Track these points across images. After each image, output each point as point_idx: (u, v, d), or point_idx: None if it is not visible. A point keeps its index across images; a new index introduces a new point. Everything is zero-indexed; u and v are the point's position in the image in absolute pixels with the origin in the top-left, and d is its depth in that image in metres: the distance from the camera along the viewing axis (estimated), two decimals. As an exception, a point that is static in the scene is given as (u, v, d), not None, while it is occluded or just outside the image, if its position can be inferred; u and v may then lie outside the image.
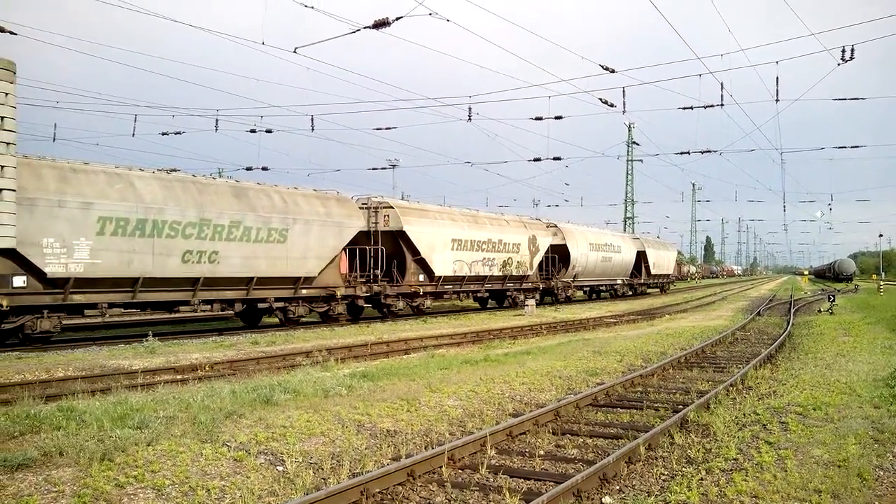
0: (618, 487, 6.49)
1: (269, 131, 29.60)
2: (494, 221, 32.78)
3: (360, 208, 25.80)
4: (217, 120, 28.79)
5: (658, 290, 57.98)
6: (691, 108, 26.54)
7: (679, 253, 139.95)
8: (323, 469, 6.81)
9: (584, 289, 45.78)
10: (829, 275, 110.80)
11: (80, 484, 5.82)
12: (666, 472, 6.86)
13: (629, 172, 65.69)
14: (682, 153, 37.96)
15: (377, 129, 34.71)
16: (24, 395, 9.89)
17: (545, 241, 36.17)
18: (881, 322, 23.30)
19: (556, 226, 38.71)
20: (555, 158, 37.84)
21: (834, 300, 31.75)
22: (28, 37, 20.01)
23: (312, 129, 28.44)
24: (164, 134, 31.11)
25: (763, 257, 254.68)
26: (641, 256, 50.47)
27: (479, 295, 32.63)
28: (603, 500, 6.15)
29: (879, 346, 16.12)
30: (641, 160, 67.62)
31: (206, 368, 13.89)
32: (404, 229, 26.31)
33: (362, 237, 25.58)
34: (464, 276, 29.70)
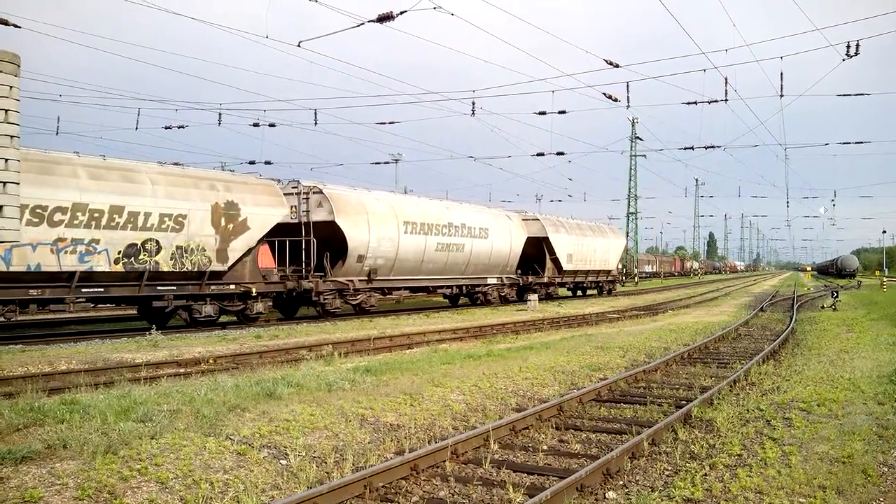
0: (622, 483, 6.48)
1: (272, 125, 29.62)
2: (108, 172, 17.74)
3: None
4: (220, 114, 28.85)
5: (597, 291, 43.89)
6: (695, 103, 26.53)
7: (681, 248, 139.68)
8: (326, 463, 6.81)
9: (395, 292, 28.76)
10: (831, 271, 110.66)
11: (84, 477, 5.82)
12: (670, 468, 6.85)
13: (632, 168, 65.52)
14: (685, 148, 38.12)
15: (380, 123, 34.93)
16: (27, 388, 9.88)
17: (265, 215, 21.18)
18: (884, 318, 23.26)
19: (320, 191, 23.96)
20: (558, 153, 37.86)
21: (837, 296, 31.66)
22: (32, 30, 20.02)
23: (315, 123, 28.50)
24: (167, 128, 31.19)
25: (766, 253, 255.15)
26: (543, 245, 35.91)
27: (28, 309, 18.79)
28: (607, 495, 6.15)
29: (883, 343, 16.08)
30: (645, 155, 67.22)
31: (210, 362, 13.90)
32: None
33: None
34: None
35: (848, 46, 19.66)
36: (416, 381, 10.65)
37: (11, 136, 15.24)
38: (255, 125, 29.38)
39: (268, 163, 37.95)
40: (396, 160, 60.94)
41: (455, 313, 27.54)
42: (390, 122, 32.31)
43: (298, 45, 19.39)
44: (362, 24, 17.65)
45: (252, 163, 37.74)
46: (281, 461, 6.77)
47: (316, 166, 66.62)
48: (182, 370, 13.06)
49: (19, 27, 17.60)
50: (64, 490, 5.59)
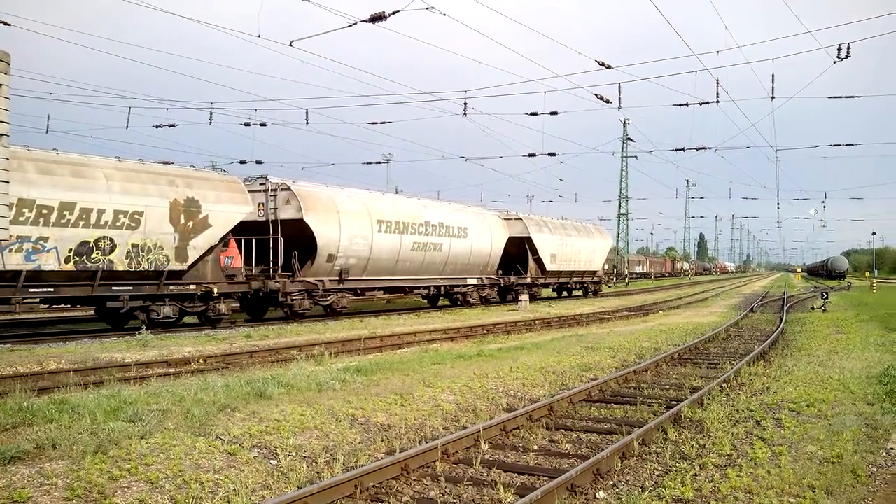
0: (612, 482, 6.50)
1: (263, 124, 29.50)
2: (58, 167, 16.81)
3: None
4: (211, 113, 28.76)
5: (582, 293, 43.08)
6: (687, 104, 26.57)
7: (672, 249, 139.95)
8: (317, 463, 6.80)
9: (369, 292, 27.30)
10: (822, 272, 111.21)
11: (73, 477, 5.79)
12: (660, 468, 6.87)
13: (623, 169, 65.68)
14: (676, 150, 38.10)
15: (372, 123, 34.85)
16: (15, 388, 9.82)
17: (228, 212, 20.20)
18: (874, 319, 23.39)
19: (288, 188, 23.12)
20: (549, 154, 37.87)
21: (827, 297, 31.82)
22: (22, 27, 19.92)
23: (307, 123, 28.42)
24: (157, 126, 30.98)
25: (756, 254, 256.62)
26: (526, 245, 35.06)
27: None
28: (597, 494, 6.16)
29: (872, 344, 16.17)
30: (636, 156, 67.52)
31: (200, 362, 13.86)
32: None
33: None
34: None
35: (839, 49, 19.73)
36: (407, 381, 10.64)
37: (1, 135, 15.11)
38: (247, 124, 29.26)
39: (259, 162, 37.71)
40: (388, 160, 60.93)
41: (445, 314, 27.51)
42: (382, 122, 32.15)
43: (290, 45, 19.37)
44: (355, 23, 17.63)
45: (243, 162, 37.44)
46: (271, 461, 6.76)
47: (307, 166, 66.67)
48: (172, 370, 13.01)
49: (9, 24, 17.52)
50: (53, 490, 5.56)
